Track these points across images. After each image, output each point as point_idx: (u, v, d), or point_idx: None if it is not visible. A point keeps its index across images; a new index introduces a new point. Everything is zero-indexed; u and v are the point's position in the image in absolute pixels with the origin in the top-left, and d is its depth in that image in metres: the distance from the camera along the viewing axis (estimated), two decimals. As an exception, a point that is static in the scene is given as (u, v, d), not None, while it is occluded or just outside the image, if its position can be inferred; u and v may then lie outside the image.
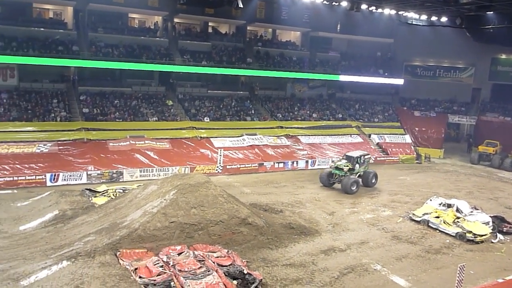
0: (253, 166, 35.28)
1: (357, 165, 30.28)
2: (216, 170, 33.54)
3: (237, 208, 19.60)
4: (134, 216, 18.77)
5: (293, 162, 37.09)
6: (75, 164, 30.21)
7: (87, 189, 26.17)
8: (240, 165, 34.85)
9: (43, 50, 33.84)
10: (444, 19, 41.94)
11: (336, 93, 50.48)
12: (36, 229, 20.29)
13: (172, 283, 14.36)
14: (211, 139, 36.70)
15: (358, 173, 30.74)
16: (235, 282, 14.77)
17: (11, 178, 27.75)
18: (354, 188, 29.07)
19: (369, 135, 45.31)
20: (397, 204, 27.02)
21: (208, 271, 14.96)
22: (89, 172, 29.81)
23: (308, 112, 45.58)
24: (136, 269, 15.28)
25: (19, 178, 27.94)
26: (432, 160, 43.93)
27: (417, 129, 48.71)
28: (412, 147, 45.14)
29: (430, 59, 52.56)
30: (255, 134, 38.93)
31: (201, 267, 15.25)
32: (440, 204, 24.35)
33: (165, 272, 14.92)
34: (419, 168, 40.64)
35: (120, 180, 30.24)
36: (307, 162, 37.65)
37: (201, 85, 43.02)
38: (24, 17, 36.27)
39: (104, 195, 25.00)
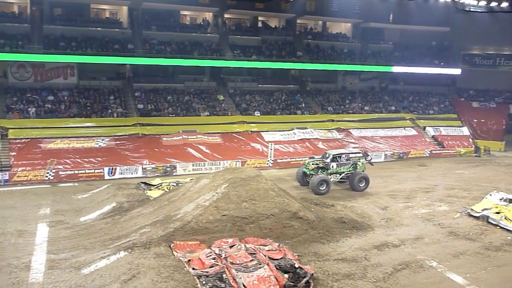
0: (303, 160, 35.03)
1: (333, 164, 27.23)
2: (267, 164, 33.66)
3: (288, 202, 19.58)
4: (187, 209, 19.20)
5: (344, 156, 36.53)
6: (131, 158, 31.35)
7: (142, 182, 27.07)
8: (290, 159, 34.78)
9: (100, 49, 35.23)
10: (504, 4, 39.72)
11: (388, 85, 49.16)
12: (95, 221, 21.23)
13: (224, 275, 14.57)
14: (261, 133, 36.87)
15: (343, 173, 27.60)
16: (286, 275, 14.77)
17: (72, 172, 29.26)
18: (322, 188, 25.94)
19: (424, 128, 43.84)
20: (454, 199, 25.95)
21: (260, 264, 15.06)
22: (144, 166, 30.85)
23: (359, 105, 44.72)
24: (189, 260, 15.64)
25: (80, 171, 29.40)
26: (492, 153, 41.87)
27: (475, 120, 46.59)
28: (470, 139, 43.25)
29: (489, 47, 50.03)
30: (306, 128, 38.70)
31: (252, 260, 15.37)
32: (501, 199, 23.18)
33: (217, 264, 15.16)
34: (478, 161, 38.86)
35: (174, 174, 31.05)
36: (358, 155, 36.97)
37: (252, 79, 43.25)
38: (82, 18, 37.93)
39: (159, 188, 25.75)
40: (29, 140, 30.79)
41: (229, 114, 38.62)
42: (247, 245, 16.59)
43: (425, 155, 39.66)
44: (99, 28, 37.50)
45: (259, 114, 39.27)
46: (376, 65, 44.99)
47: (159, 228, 18.29)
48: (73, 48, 34.53)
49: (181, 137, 34.19)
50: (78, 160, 30.20)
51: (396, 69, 45.04)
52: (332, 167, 27.28)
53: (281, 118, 39.73)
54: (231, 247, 16.56)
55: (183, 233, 17.65)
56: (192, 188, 21.61)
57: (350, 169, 27.81)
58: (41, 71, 35.61)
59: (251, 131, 37.03)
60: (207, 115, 37.68)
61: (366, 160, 28.91)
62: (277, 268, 14.99)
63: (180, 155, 32.55)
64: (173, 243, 17.02)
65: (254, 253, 15.89)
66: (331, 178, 26.98)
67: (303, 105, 42.30)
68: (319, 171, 27.07)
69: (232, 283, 14.23)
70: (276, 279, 14.43)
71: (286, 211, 19.01)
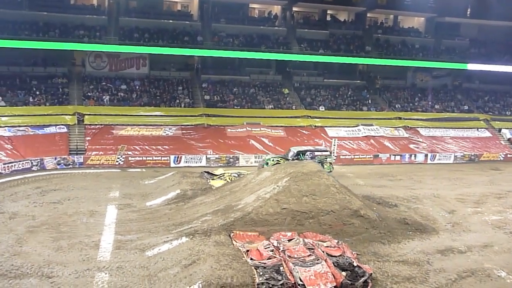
0: (368, 158, 34.37)
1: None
2: (329, 160, 33.27)
3: (349, 199, 19.29)
4: (248, 200, 19.46)
5: (410, 155, 35.37)
6: (196, 148, 32.25)
7: (205, 171, 27.77)
8: (354, 155, 34.19)
9: (171, 40, 36.39)
10: None
11: (462, 83, 46.72)
12: (160, 206, 22.10)
13: (281, 268, 14.65)
14: (325, 128, 36.50)
15: None
16: (344, 273, 14.57)
17: (141, 158, 30.63)
18: None
19: (499, 130, 41.26)
20: (530, 207, 24.34)
21: (317, 260, 14.99)
22: (208, 156, 31.62)
23: (429, 103, 42.92)
24: (247, 251, 15.86)
25: (147, 158, 30.74)
26: None
27: (559, 123, 43.13)
28: (552, 144, 40.24)
29: None
30: (371, 125, 37.79)
31: (310, 255, 15.33)
32: None
33: (275, 257, 15.27)
34: (560, 168, 36.05)
35: (236, 165, 31.55)
36: (426, 156, 35.64)
37: (317, 73, 42.85)
38: (155, 10, 39.36)
39: (221, 178, 26.28)
40: (102, 126, 32.57)
41: (294, 108, 38.54)
42: (306, 240, 16.57)
43: (499, 159, 37.42)
44: (171, 21, 38.74)
45: (323, 109, 38.87)
46: (450, 62, 42.74)
47: (220, 217, 18.70)
48: (146, 39, 35.93)
49: (245, 129, 34.64)
50: (147, 147, 31.55)
51: (471, 66, 42.63)
52: None
53: (346, 114, 39.09)
54: (289, 240, 16.60)
55: (243, 223, 17.93)
56: (254, 180, 21.85)
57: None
58: (115, 61, 37.42)
59: (315, 126, 36.75)
60: (272, 108, 37.83)
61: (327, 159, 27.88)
62: (335, 265, 14.84)
63: (243, 147, 33.02)
64: (233, 232, 17.35)
65: (312, 248, 15.84)
66: None
67: (370, 101, 41.29)
68: None
69: (289, 276, 14.27)
70: (334, 276, 14.30)
71: (347, 208, 18.75)
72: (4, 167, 27.07)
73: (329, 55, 39.40)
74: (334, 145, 33.37)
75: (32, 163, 28.17)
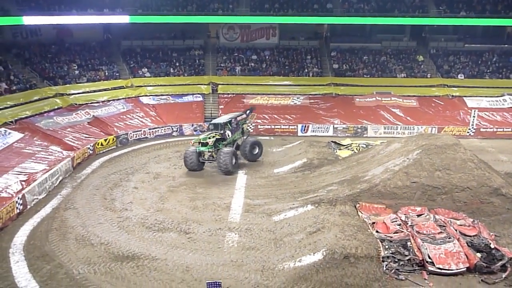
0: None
1: (228, 133, 23.81)
2: (468, 132, 30.80)
3: (489, 176, 17.73)
4: (375, 172, 19.03)
5: None
6: (323, 117, 32.17)
7: (332, 141, 27.70)
8: (497, 128, 31.09)
9: (300, 9, 36.19)
10: None
11: None
12: (287, 173, 22.73)
13: (408, 243, 14.21)
14: (464, 98, 33.63)
15: (235, 143, 24.50)
16: (478, 255, 13.62)
17: (269, 126, 31.60)
18: (234, 162, 22.84)
19: None
20: None
21: (449, 238, 14.20)
22: (335, 126, 31.38)
23: None
24: (373, 223, 15.65)
25: (275, 126, 31.60)
26: None
27: None
28: None
29: None
30: (520, 95, 33.82)
31: (441, 232, 14.57)
32: None
33: (402, 231, 14.84)
34: None
35: (364, 136, 30.84)
36: None
37: (458, 38, 39.22)
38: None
39: (348, 149, 26.02)
40: (234, 95, 34.12)
41: (428, 76, 36.05)
42: (437, 216, 15.77)
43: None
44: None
45: (463, 78, 35.72)
46: None
47: (346, 187, 18.64)
48: (276, 9, 36.25)
49: (374, 98, 33.48)
50: (275, 116, 32.37)
51: None
52: (228, 136, 23.92)
53: (489, 82, 35.40)
54: (418, 215, 15.98)
55: (370, 195, 17.67)
56: (382, 151, 21.24)
57: (240, 135, 25.18)
58: (247, 32, 38.55)
59: (452, 95, 34.04)
60: (404, 77, 35.86)
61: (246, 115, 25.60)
62: (468, 245, 13.95)
63: (372, 117, 32.05)
64: (358, 203, 17.22)
65: (444, 226, 15.04)
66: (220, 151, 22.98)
67: (519, 68, 36.80)
68: (220, 144, 23.63)
69: (417, 252, 13.81)
70: (467, 257, 13.47)
71: (485, 185, 17.31)
72: (149, 132, 30.12)
73: (472, 17, 35.63)
74: (474, 116, 30.74)
75: (172, 129, 30.88)
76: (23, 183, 19.73)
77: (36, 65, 32.10)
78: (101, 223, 17.33)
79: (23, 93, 28.50)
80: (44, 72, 31.76)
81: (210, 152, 23.47)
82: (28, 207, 18.86)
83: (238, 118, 25.18)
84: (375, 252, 13.86)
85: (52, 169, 21.66)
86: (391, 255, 13.75)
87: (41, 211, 18.66)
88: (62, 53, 34.24)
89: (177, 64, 36.21)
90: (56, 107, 29.16)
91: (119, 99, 32.30)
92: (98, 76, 33.39)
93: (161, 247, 15.39)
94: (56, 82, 31.25)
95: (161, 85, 34.47)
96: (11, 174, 20.27)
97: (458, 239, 14.19)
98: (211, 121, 25.72)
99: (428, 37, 39.21)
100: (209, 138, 23.03)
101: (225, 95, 34.17)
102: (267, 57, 37.52)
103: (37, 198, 19.68)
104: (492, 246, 13.96)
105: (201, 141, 22.93)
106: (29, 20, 29.26)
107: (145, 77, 34.94)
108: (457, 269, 13.26)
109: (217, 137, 23.35)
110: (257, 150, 25.04)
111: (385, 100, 33.26)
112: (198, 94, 34.16)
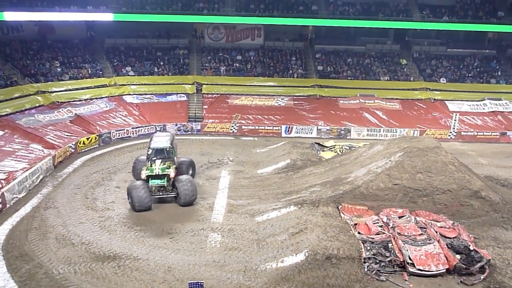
0: (493, 135, 31.55)
1: (175, 159, 20.23)
2: (449, 136, 31.25)
3: (469, 179, 18.02)
4: (358, 173, 19.18)
5: (546, 134, 31.76)
6: (307, 119, 32.33)
7: (316, 143, 27.82)
8: (477, 132, 31.63)
9: (285, 10, 36.26)
10: None
11: None
12: (270, 174, 22.76)
13: (390, 244, 14.36)
14: (446, 102, 34.16)
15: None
16: (458, 256, 13.82)
17: (253, 127, 31.61)
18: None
19: None
20: None
21: (429, 240, 14.39)
22: (319, 127, 31.56)
23: None
24: (355, 224, 15.76)
25: (260, 127, 31.63)
26: None
27: None
28: None
29: None
30: (500, 99, 34.45)
31: (422, 234, 14.75)
32: None
33: (384, 233, 14.98)
34: None
35: (347, 137, 31.06)
36: None
37: (440, 42, 39.79)
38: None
39: (331, 150, 26.16)
40: (218, 95, 34.03)
41: (411, 79, 36.49)
42: (418, 218, 15.96)
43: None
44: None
45: (445, 81, 36.24)
46: None
47: (328, 188, 18.74)
48: (261, 10, 36.27)
49: (358, 101, 33.77)
50: (259, 117, 32.41)
51: None
52: (175, 162, 20.19)
53: (470, 86, 35.97)
54: (400, 217, 16.14)
55: (352, 196, 17.80)
56: (365, 153, 21.42)
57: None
58: (232, 33, 38.48)
59: (434, 99, 34.52)
60: (387, 80, 36.24)
61: None
62: (448, 247, 14.14)
63: (355, 119, 32.31)
64: (341, 205, 17.32)
65: (425, 228, 15.22)
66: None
67: (499, 73, 37.46)
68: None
69: (398, 253, 13.95)
70: (446, 258, 13.67)
71: (465, 188, 17.59)
72: (132, 131, 29.87)
73: (454, 22, 36.17)
74: (455, 120, 31.19)
75: (156, 128, 30.63)
76: (3, 181, 19.37)
77: (17, 61, 31.52)
78: (82, 223, 17.13)
79: (3, 90, 27.97)
80: (26, 69, 31.21)
81: (167, 186, 18.99)
82: (8, 206, 18.53)
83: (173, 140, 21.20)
84: (356, 253, 13.96)
85: (32, 168, 21.30)
86: (372, 256, 13.87)
87: (21, 210, 18.34)
88: (44, 50, 33.68)
89: (162, 63, 35.90)
90: (37, 104, 28.73)
91: (102, 97, 31.89)
92: (81, 74, 32.93)
93: (143, 247, 15.28)
94: (38, 79, 30.74)
95: (145, 84, 34.14)
96: (-10, 172, 19.93)
97: (438, 241, 14.37)
98: (149, 145, 20.37)
99: (411, 41, 39.69)
100: (168, 168, 19.08)
101: (210, 95, 34.05)
102: (252, 58, 37.51)
103: (16, 197, 19.34)
104: (471, 248, 14.17)
105: (155, 173, 18.73)
106: (10, 16, 28.60)
107: (128, 75, 34.53)
108: (437, 271, 13.44)
109: (173, 165, 19.52)
110: (191, 170, 21.33)
111: (368, 103, 33.56)
112: (182, 93, 33.96)
